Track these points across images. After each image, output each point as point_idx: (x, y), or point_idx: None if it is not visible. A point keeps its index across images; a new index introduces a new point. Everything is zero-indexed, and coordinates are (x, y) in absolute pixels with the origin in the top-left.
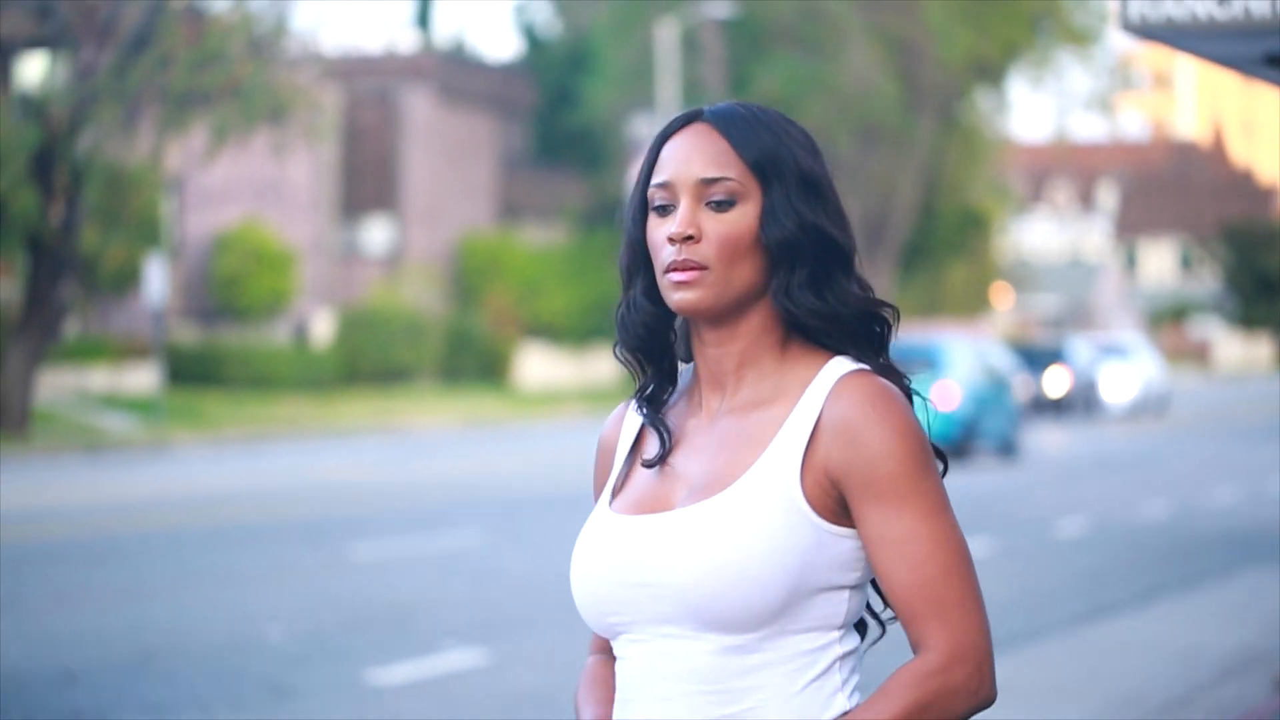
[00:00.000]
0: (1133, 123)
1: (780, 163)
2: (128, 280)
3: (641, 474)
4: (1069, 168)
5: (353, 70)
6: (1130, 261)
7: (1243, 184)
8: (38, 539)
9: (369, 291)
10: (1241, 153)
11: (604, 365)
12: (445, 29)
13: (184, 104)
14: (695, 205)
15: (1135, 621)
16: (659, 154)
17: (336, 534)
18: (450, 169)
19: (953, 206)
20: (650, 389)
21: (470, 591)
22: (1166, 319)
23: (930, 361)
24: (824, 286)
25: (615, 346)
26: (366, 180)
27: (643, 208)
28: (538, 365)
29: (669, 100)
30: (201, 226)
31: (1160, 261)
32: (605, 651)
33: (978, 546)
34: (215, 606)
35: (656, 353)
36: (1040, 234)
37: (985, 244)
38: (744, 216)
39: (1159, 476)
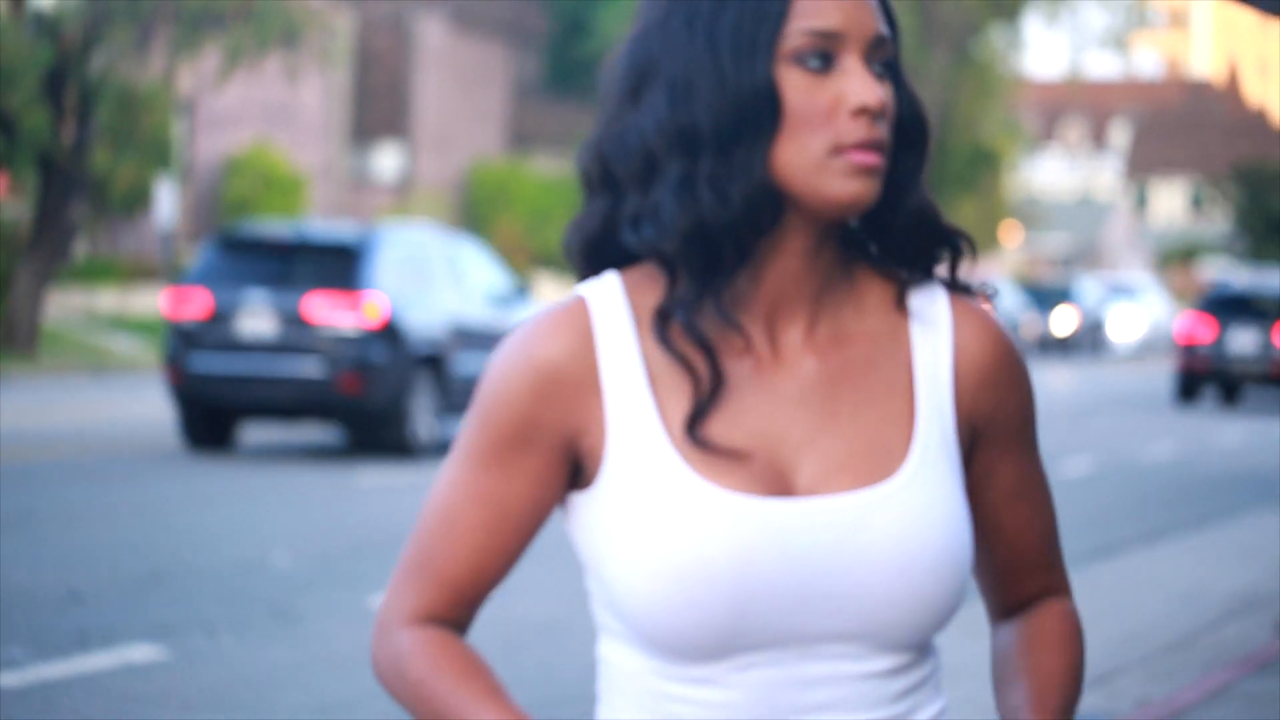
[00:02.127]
0: (1147, 62)
1: (894, 21)
2: (138, 202)
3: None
4: (1082, 106)
5: None
6: (1141, 201)
7: (1256, 124)
8: (45, 459)
9: (379, 217)
10: (1256, 93)
11: None
12: None
13: (197, 26)
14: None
15: (1140, 561)
16: None
17: (344, 458)
18: (462, 96)
19: (964, 143)
20: (696, 303)
21: None
22: (1176, 259)
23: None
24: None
25: (660, 230)
26: (378, 106)
27: (769, 50)
28: (545, 295)
29: None
30: (212, 149)
31: (1171, 202)
32: (438, 620)
33: None
34: (221, 529)
35: (744, 244)
36: (1051, 172)
37: (996, 181)
38: (891, 91)
39: (1165, 417)
